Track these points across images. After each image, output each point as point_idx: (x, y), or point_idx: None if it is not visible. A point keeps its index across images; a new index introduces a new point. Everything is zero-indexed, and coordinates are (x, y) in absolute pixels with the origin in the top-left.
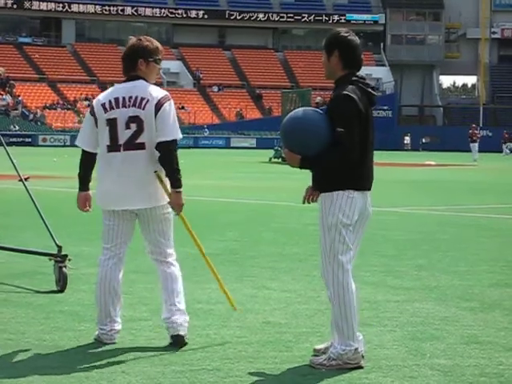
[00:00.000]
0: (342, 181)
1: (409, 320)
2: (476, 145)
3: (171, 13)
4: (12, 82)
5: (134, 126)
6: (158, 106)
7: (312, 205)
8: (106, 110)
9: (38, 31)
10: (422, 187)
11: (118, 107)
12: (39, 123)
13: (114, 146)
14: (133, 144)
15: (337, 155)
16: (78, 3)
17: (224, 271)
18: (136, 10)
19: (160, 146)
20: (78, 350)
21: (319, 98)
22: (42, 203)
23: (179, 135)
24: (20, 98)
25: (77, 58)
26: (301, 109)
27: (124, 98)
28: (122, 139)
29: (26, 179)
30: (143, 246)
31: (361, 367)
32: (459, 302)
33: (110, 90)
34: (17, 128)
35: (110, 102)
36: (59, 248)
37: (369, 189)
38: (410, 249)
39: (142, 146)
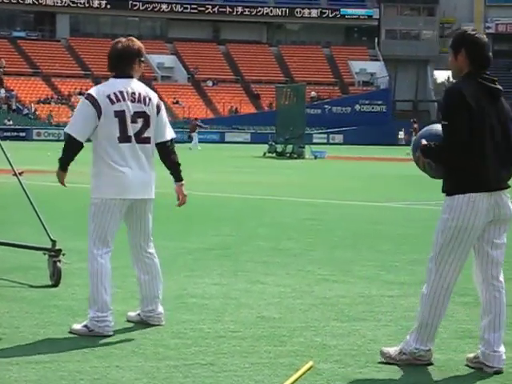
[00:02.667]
0: (460, 183)
1: (403, 315)
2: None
3: (166, 7)
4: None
5: (140, 121)
6: (159, 107)
7: (307, 200)
8: (112, 101)
9: (32, 25)
10: (417, 182)
11: (124, 100)
12: (31, 117)
13: (124, 138)
14: (141, 138)
15: (440, 148)
16: None
17: (218, 266)
18: (130, 5)
19: (161, 146)
20: (71, 344)
21: (313, 92)
22: (36, 198)
23: (174, 134)
24: (14, 93)
25: (71, 53)
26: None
27: (128, 92)
28: (130, 131)
29: (20, 174)
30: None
31: (431, 364)
32: (453, 297)
33: (107, 83)
34: (11, 122)
35: (115, 94)
36: (53, 242)
37: (497, 189)
38: (405, 243)
39: (148, 141)
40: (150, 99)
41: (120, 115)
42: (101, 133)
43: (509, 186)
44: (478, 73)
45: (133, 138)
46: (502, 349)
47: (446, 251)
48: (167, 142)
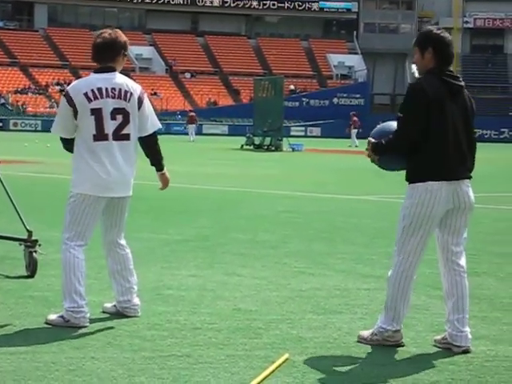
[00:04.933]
0: (420, 172)
1: (379, 308)
2: (355, 131)
3: None
4: None
5: (120, 118)
6: (140, 100)
7: (284, 192)
8: (89, 99)
9: (9, 15)
10: (393, 175)
11: (102, 97)
12: (8, 107)
13: (100, 136)
14: (120, 135)
15: (392, 139)
16: None
17: (195, 257)
18: None
19: (143, 140)
20: (47, 335)
21: (292, 85)
22: (12, 188)
23: (158, 124)
24: None
25: (49, 43)
26: None
27: (107, 89)
28: (108, 129)
29: None
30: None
31: (400, 345)
32: (429, 291)
33: (87, 79)
34: None
35: (92, 91)
36: (29, 233)
37: (458, 178)
38: (381, 237)
39: (127, 137)
40: (131, 94)
41: (96, 113)
42: (79, 130)
43: (470, 177)
44: (442, 70)
45: (110, 136)
46: (467, 329)
47: (407, 236)
48: (147, 136)
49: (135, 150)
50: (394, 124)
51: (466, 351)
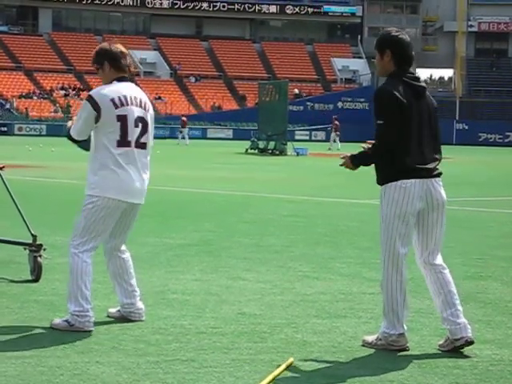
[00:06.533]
0: (392, 173)
1: None
2: (334, 134)
3: (149, 3)
4: None
5: (140, 126)
6: (152, 111)
7: (289, 196)
8: (116, 105)
9: (14, 20)
10: None
11: (127, 105)
12: (13, 111)
13: (124, 142)
14: (140, 143)
15: (377, 147)
16: None
17: (200, 262)
18: (113, 0)
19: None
20: (52, 339)
21: (296, 89)
22: (17, 192)
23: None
24: None
25: (53, 47)
26: None
27: (131, 97)
28: (131, 136)
29: (0, 168)
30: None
31: (405, 349)
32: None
33: (111, 86)
34: None
35: (119, 98)
36: (34, 237)
37: (429, 176)
38: None
39: (145, 146)
40: (149, 105)
41: (122, 120)
42: (102, 134)
43: (440, 174)
44: (403, 72)
45: (132, 143)
46: (463, 320)
47: (388, 237)
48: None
49: (149, 159)
50: None
51: (469, 341)
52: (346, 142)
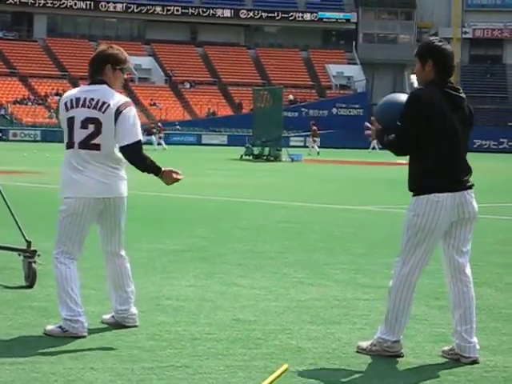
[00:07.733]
0: (425, 184)
1: (378, 318)
2: (311, 139)
3: (143, 9)
4: None
5: (91, 127)
6: (118, 112)
7: (283, 203)
8: (67, 108)
9: (9, 25)
10: (394, 185)
11: (77, 107)
12: (7, 117)
13: (70, 144)
14: (89, 144)
15: (390, 143)
16: None
17: (194, 268)
18: (108, 6)
19: (123, 150)
20: (45, 345)
21: (291, 95)
22: (11, 198)
23: (139, 137)
24: None
25: (48, 53)
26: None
27: (85, 99)
28: (76, 138)
29: None
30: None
31: (400, 356)
32: (428, 301)
33: (75, 90)
34: None
35: (71, 101)
36: (28, 243)
37: (462, 189)
38: (380, 247)
39: (97, 147)
40: (108, 106)
41: (70, 121)
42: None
43: (472, 186)
44: (443, 81)
45: (76, 144)
46: (475, 339)
47: (411, 247)
48: (126, 146)
49: (113, 160)
50: (399, 96)
51: (475, 362)
52: (341, 149)
